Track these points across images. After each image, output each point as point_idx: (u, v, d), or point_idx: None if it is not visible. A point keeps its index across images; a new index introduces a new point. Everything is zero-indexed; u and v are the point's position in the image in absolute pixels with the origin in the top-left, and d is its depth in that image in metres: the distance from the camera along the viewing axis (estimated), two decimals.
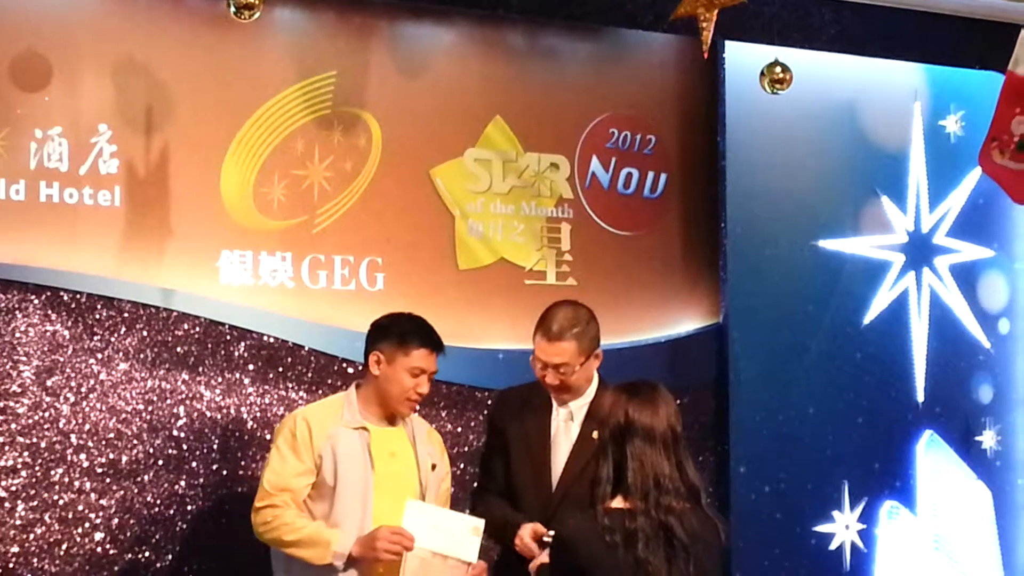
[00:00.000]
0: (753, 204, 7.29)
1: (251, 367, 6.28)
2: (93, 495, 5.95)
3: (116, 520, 5.99)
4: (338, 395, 5.35)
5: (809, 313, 7.45)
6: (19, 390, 5.86)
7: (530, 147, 6.89)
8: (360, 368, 6.21)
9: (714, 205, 7.27)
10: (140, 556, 6.02)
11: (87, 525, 5.94)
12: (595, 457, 4.48)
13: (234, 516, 6.11)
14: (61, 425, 5.92)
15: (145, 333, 6.09)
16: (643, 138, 7.15)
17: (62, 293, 5.95)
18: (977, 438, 7.90)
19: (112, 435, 6.00)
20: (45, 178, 5.94)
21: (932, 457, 7.73)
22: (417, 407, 5.25)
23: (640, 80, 7.19)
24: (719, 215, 7.25)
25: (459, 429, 6.60)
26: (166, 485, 6.09)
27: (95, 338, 6.00)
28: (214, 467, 6.18)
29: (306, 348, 6.39)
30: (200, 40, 6.24)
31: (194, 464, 6.14)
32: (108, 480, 5.98)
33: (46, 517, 5.87)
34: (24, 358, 5.88)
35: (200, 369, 6.18)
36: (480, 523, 5.02)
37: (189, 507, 6.13)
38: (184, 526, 6.11)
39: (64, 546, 5.89)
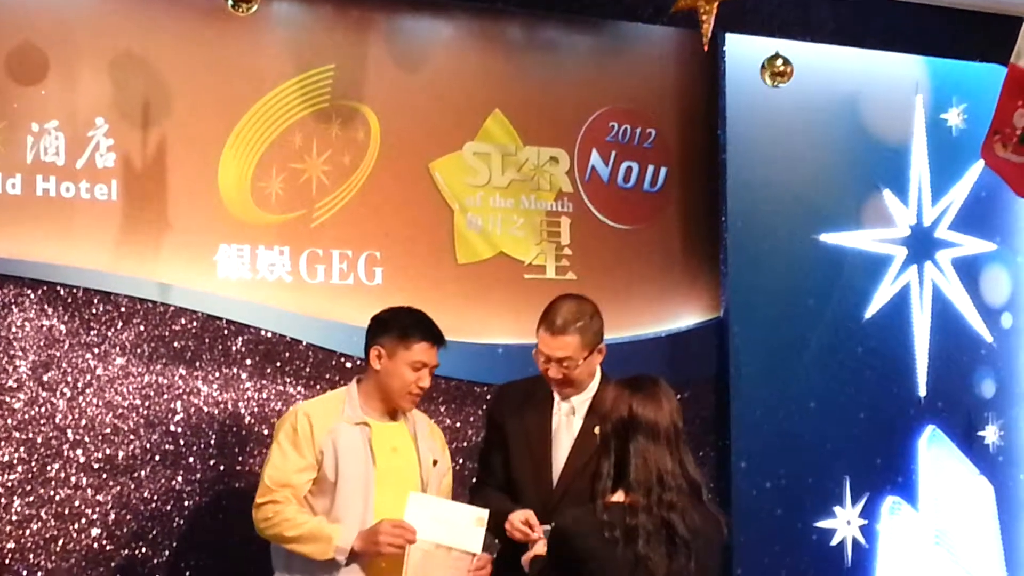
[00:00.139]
0: (754, 198, 7.26)
1: (249, 362, 6.26)
2: (90, 491, 5.93)
3: (113, 516, 5.97)
4: (339, 390, 5.34)
5: (810, 307, 7.42)
6: (15, 385, 5.85)
7: (529, 141, 6.87)
8: (358, 362, 6.22)
9: (714, 199, 7.24)
10: (137, 552, 6.00)
11: (83, 521, 5.92)
12: (596, 452, 4.47)
13: (231, 512, 6.10)
14: (57, 420, 5.90)
15: (142, 328, 6.07)
16: (643, 132, 7.12)
17: (58, 287, 5.93)
18: (979, 433, 7.88)
19: (109, 430, 5.98)
20: (42, 172, 5.92)
21: (934, 452, 7.70)
22: (418, 401, 5.23)
23: (640, 73, 7.17)
24: (719, 209, 7.22)
25: (458, 424, 6.58)
26: (163, 481, 6.07)
27: (92, 333, 5.98)
28: (211, 462, 6.16)
29: (304, 343, 6.37)
30: (197, 34, 6.22)
31: (191, 459, 6.12)
32: (105, 476, 5.96)
33: (42, 513, 5.85)
34: (20, 353, 5.86)
35: (197, 364, 6.17)
36: (484, 513, 4.99)
37: (186, 503, 6.11)
38: (181, 522, 6.09)
39: (60, 542, 5.88)
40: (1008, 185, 6.51)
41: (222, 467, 6.18)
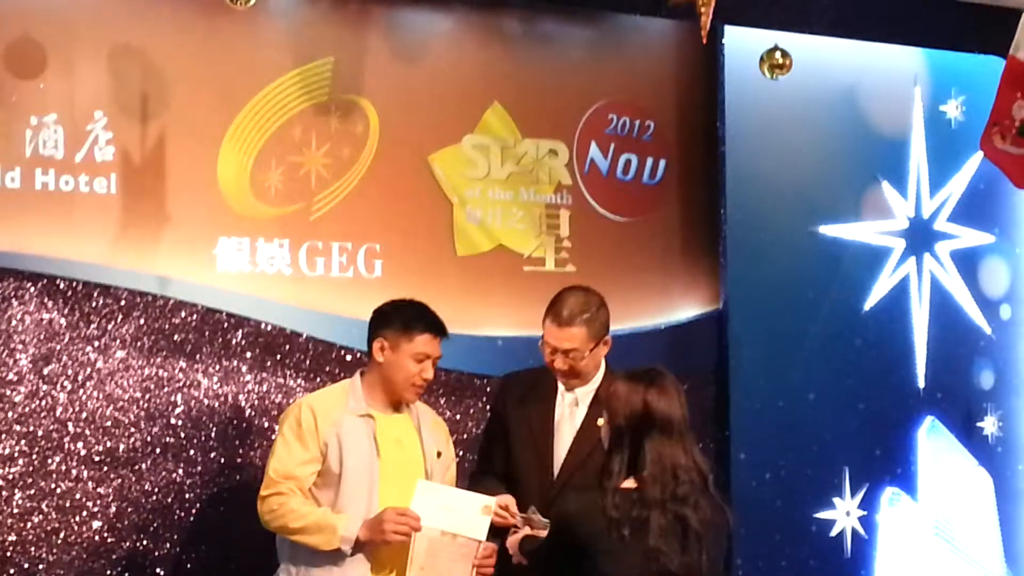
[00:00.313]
0: (753, 190, 7.27)
1: (249, 355, 6.26)
2: (91, 483, 5.94)
3: (114, 508, 5.98)
4: (343, 383, 5.32)
5: (809, 299, 7.43)
6: (15, 378, 5.85)
7: (528, 133, 6.87)
8: (358, 355, 6.23)
9: (713, 191, 7.24)
10: (138, 544, 6.01)
11: (84, 514, 5.93)
12: (607, 446, 4.47)
13: (232, 504, 6.11)
14: (58, 413, 5.91)
15: (142, 321, 6.08)
16: (642, 124, 7.13)
17: (58, 281, 5.94)
18: (978, 424, 7.88)
19: (109, 423, 5.99)
20: (41, 165, 5.93)
21: (933, 443, 7.71)
22: (422, 393, 5.24)
23: (639, 66, 7.17)
24: (719, 201, 7.23)
25: (458, 416, 6.59)
26: (164, 473, 6.08)
27: (92, 326, 5.99)
28: (212, 455, 6.17)
29: (304, 335, 6.37)
30: (196, 27, 6.22)
31: (192, 452, 6.13)
32: (106, 468, 5.97)
33: (43, 505, 5.86)
34: (20, 346, 5.87)
35: (197, 357, 6.17)
36: (491, 501, 4.98)
37: (187, 495, 6.11)
38: (182, 514, 6.10)
39: (62, 534, 5.88)
40: (1007, 177, 6.51)
41: (223, 460, 6.18)
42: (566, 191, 6.95)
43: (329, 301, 6.40)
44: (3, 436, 5.81)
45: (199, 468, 6.14)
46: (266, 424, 6.23)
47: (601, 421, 4.60)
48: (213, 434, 6.18)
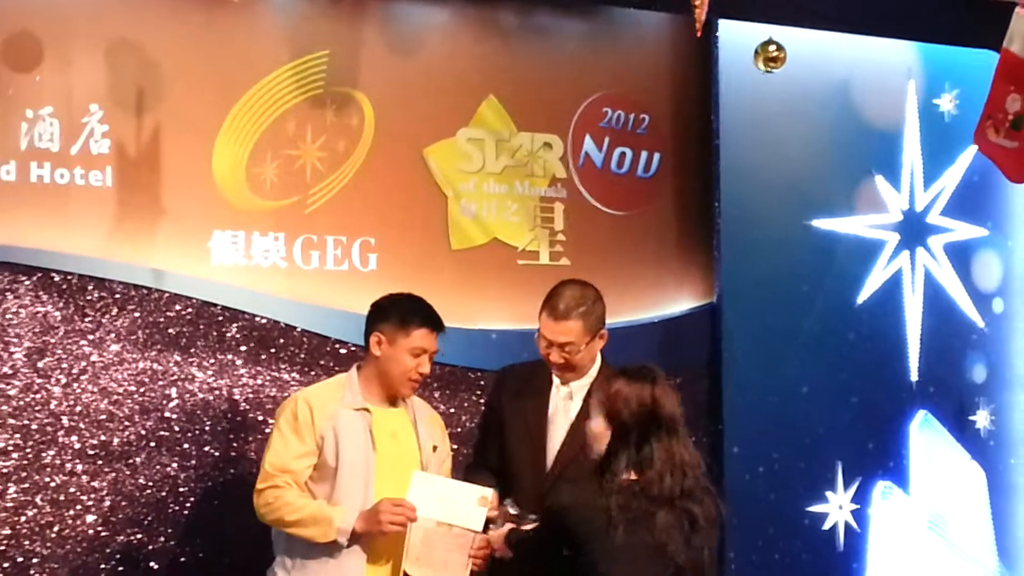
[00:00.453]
0: (747, 183, 7.27)
1: (243, 348, 6.26)
2: (85, 477, 5.94)
3: (108, 502, 5.97)
4: (339, 376, 5.33)
5: (803, 293, 7.43)
6: (10, 371, 5.85)
7: (523, 127, 6.87)
8: (353, 349, 6.23)
9: (708, 184, 7.25)
10: (132, 538, 6.01)
11: (79, 507, 5.92)
12: (609, 445, 4.48)
13: (227, 497, 6.11)
14: (52, 407, 5.91)
15: (137, 314, 6.08)
16: (637, 117, 7.13)
17: (53, 274, 5.93)
18: (971, 418, 7.90)
19: (104, 417, 5.99)
20: (36, 158, 5.92)
21: (926, 437, 7.72)
22: (418, 388, 5.24)
23: (634, 59, 7.17)
24: (713, 194, 7.23)
25: (452, 410, 6.59)
26: (158, 467, 6.07)
27: (86, 319, 5.99)
28: (206, 448, 6.17)
29: (298, 329, 6.37)
30: (192, 19, 6.22)
31: (186, 446, 6.13)
32: (100, 462, 5.97)
33: (37, 499, 5.86)
34: (15, 339, 5.86)
35: (192, 350, 6.17)
36: (488, 492, 5.00)
37: (181, 489, 6.11)
38: (176, 508, 6.10)
39: (56, 528, 5.88)
40: (1000, 170, 6.52)
41: (217, 453, 6.18)
42: (561, 184, 6.95)
43: (324, 294, 6.40)
44: None
45: (193, 462, 6.14)
46: (261, 417, 6.23)
47: (596, 421, 4.60)
48: (207, 428, 6.17)
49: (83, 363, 5.97)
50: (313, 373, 6.30)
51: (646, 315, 7.11)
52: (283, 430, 5.06)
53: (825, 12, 7.52)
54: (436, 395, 6.49)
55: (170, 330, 6.13)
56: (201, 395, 6.17)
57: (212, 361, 6.20)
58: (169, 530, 6.07)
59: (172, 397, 6.12)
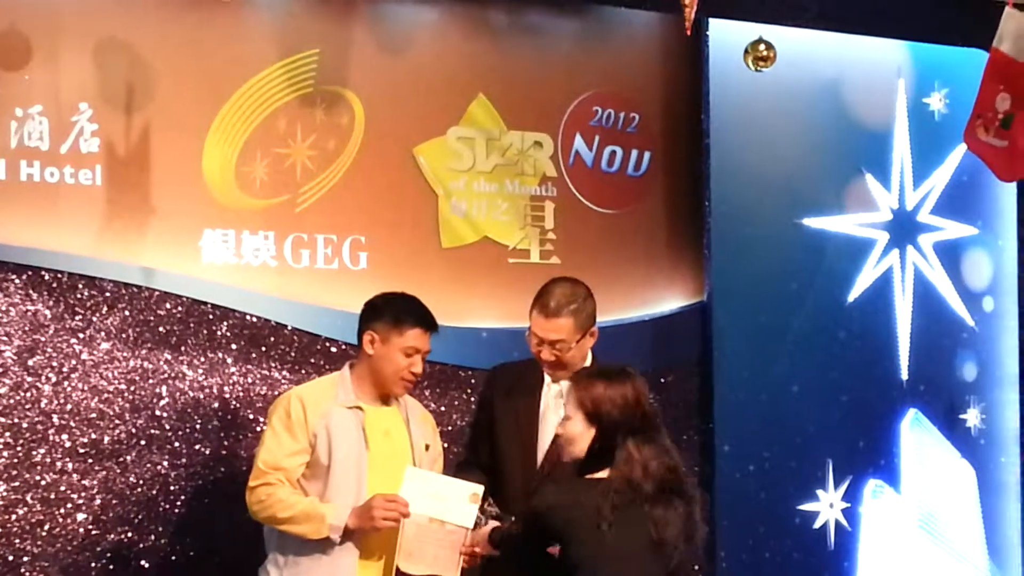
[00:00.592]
0: (737, 182, 7.28)
1: (234, 346, 6.26)
2: (75, 475, 5.93)
3: (99, 500, 5.97)
4: (332, 375, 5.32)
5: (793, 291, 7.44)
6: (0, 370, 5.84)
7: (513, 125, 6.87)
8: (343, 347, 6.24)
9: (698, 183, 7.25)
10: (123, 536, 6.00)
11: (69, 506, 5.92)
12: (594, 444, 4.49)
13: (217, 496, 6.11)
14: (43, 405, 5.90)
15: (127, 312, 6.07)
16: (627, 116, 7.13)
17: (43, 272, 5.93)
18: (961, 416, 7.91)
19: (94, 415, 5.98)
20: (26, 157, 5.92)
21: (916, 435, 7.74)
22: (411, 387, 5.24)
23: (624, 58, 7.17)
24: (703, 193, 7.24)
25: (442, 408, 6.59)
26: (149, 465, 6.07)
27: (76, 317, 5.98)
28: (197, 447, 6.16)
29: (289, 327, 6.37)
30: (182, 18, 6.21)
31: (177, 444, 6.13)
32: (90, 460, 5.96)
33: (28, 497, 5.85)
34: (5, 338, 5.86)
35: (182, 348, 6.17)
36: (479, 489, 5.00)
37: (172, 487, 6.11)
38: (167, 506, 6.10)
39: (46, 527, 5.88)
40: (990, 169, 6.53)
41: (208, 451, 6.18)
42: (551, 183, 6.96)
43: (314, 293, 6.40)
44: None
45: (184, 460, 6.14)
46: (251, 416, 6.23)
47: (575, 423, 4.58)
48: (198, 426, 6.17)
49: (73, 361, 5.96)
50: (303, 371, 6.30)
51: (636, 313, 7.12)
52: (276, 428, 5.06)
53: (815, 11, 7.53)
54: (427, 393, 6.49)
55: (160, 328, 6.13)
56: (192, 393, 6.17)
57: (203, 359, 6.20)
58: (160, 528, 6.07)
59: (163, 395, 6.12)
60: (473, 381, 6.57)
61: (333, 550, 4.94)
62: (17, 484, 5.83)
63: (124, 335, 6.06)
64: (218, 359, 6.23)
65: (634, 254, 7.13)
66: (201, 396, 6.19)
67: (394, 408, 5.19)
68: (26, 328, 5.89)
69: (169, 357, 6.14)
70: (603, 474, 4.42)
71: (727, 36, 7.15)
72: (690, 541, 4.43)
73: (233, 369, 6.25)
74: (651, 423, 4.48)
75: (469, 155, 6.77)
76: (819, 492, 7.44)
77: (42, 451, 5.88)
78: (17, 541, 5.82)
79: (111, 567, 5.97)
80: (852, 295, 7.59)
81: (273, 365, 6.32)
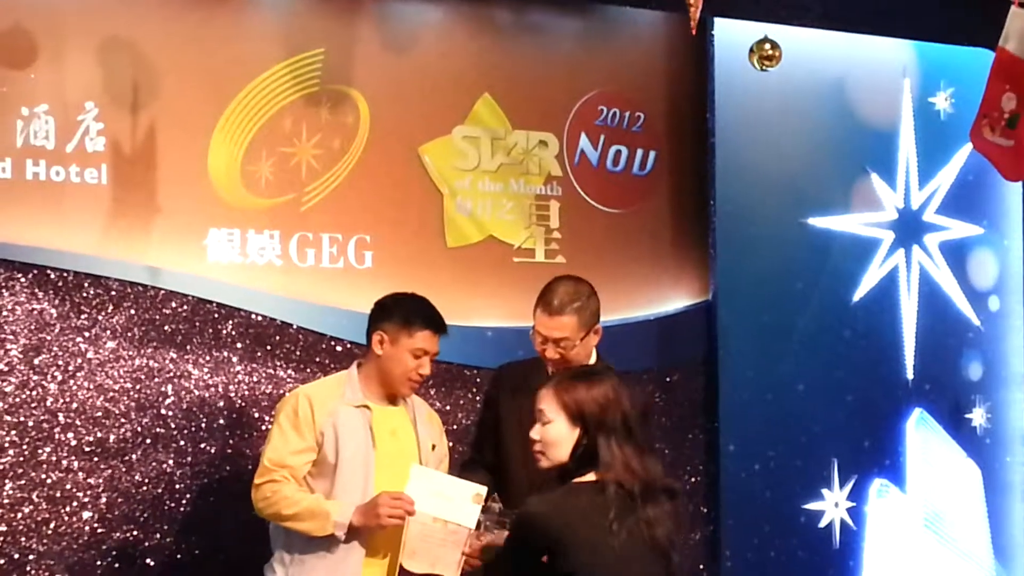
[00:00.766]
0: (742, 181, 7.28)
1: (239, 345, 6.27)
2: (81, 474, 5.94)
3: (104, 499, 5.98)
4: (340, 373, 5.31)
5: (798, 291, 7.44)
6: (6, 368, 5.85)
7: (519, 125, 6.88)
8: (348, 346, 6.25)
9: (703, 183, 7.26)
10: (128, 535, 6.01)
11: (75, 504, 5.93)
12: (585, 446, 4.48)
13: (222, 494, 6.12)
14: (48, 404, 5.91)
15: (133, 311, 6.08)
16: (632, 115, 7.13)
17: (49, 271, 5.94)
18: (967, 416, 7.91)
19: (100, 414, 5.99)
20: (31, 156, 5.93)
21: (921, 435, 7.73)
22: (418, 388, 5.24)
23: (629, 57, 7.18)
24: (708, 193, 7.24)
25: (448, 407, 6.59)
26: (154, 464, 6.08)
27: (82, 316, 5.99)
28: (202, 445, 6.17)
29: (294, 326, 6.37)
30: (187, 17, 6.22)
31: (182, 443, 6.13)
32: (96, 459, 5.97)
33: (34, 496, 5.86)
34: (11, 336, 5.86)
35: (188, 347, 6.17)
36: (482, 490, 4.99)
37: (177, 486, 6.12)
38: (172, 505, 6.10)
39: (52, 525, 5.88)
40: (996, 168, 6.52)
41: (213, 450, 6.19)
42: (556, 182, 6.96)
43: (319, 292, 6.40)
44: None
45: (189, 459, 6.15)
46: (256, 414, 6.23)
47: (557, 426, 4.54)
48: (203, 424, 6.18)
49: (79, 360, 5.97)
50: (309, 370, 6.31)
51: (642, 313, 7.12)
52: (283, 426, 5.06)
53: (820, 10, 7.54)
54: (432, 392, 6.49)
55: (166, 327, 6.14)
56: (197, 392, 6.18)
57: (208, 358, 6.21)
58: (165, 527, 6.08)
59: (168, 394, 6.12)
60: (478, 380, 6.58)
61: (338, 548, 4.94)
62: (23, 482, 5.84)
63: (130, 334, 6.07)
64: (223, 358, 6.24)
65: (639, 253, 7.13)
66: (206, 395, 6.19)
67: (401, 408, 5.19)
68: (32, 327, 5.90)
69: (175, 356, 6.14)
70: (590, 477, 4.39)
71: (732, 35, 7.15)
72: (679, 536, 4.43)
73: (238, 368, 6.26)
74: (636, 422, 4.46)
75: (474, 154, 6.77)
76: (824, 491, 7.44)
77: (48, 450, 5.89)
78: (23, 539, 5.84)
79: (116, 565, 5.98)
80: (857, 295, 7.58)
81: (278, 364, 6.32)
